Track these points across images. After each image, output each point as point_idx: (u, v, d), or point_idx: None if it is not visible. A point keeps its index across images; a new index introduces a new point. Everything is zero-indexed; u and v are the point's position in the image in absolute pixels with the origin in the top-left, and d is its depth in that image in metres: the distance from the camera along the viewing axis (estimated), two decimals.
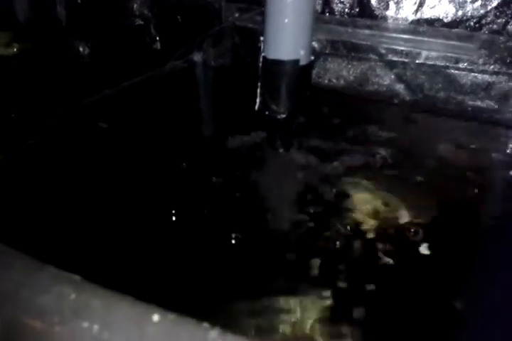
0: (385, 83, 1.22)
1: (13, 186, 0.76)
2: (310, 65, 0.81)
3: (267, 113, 0.81)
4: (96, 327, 0.28)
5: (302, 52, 0.75)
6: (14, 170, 0.83)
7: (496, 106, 1.17)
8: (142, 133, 0.93)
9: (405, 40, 1.06)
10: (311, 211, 0.77)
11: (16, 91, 1.18)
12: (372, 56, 1.13)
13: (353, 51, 1.13)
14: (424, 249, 0.72)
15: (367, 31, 1.07)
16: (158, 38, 1.55)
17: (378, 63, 1.16)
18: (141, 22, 1.55)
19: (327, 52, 1.18)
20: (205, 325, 0.28)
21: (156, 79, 1.07)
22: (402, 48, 1.09)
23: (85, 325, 0.28)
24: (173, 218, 0.72)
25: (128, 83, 1.02)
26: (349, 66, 1.23)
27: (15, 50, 1.51)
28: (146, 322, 0.28)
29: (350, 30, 1.06)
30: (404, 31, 1.09)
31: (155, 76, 1.06)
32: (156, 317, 0.29)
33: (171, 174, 0.82)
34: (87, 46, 1.64)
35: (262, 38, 0.79)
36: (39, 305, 0.30)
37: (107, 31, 1.56)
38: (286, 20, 0.72)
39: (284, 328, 0.53)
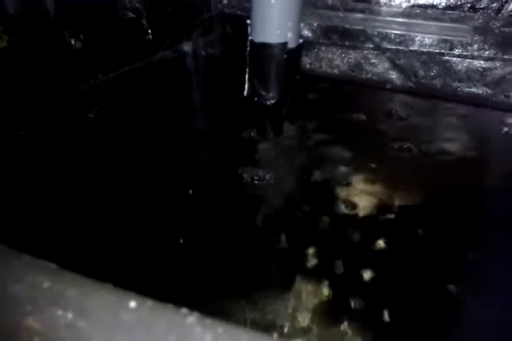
0: (379, 70, 1.21)
1: (3, 176, 0.75)
2: (299, 48, 0.79)
3: (255, 99, 0.79)
4: (70, 315, 0.27)
5: (290, 35, 0.73)
6: (5, 161, 0.82)
7: (491, 92, 1.17)
8: (132, 121, 0.91)
9: (399, 24, 1.04)
10: None
11: (6, 83, 1.16)
12: (366, 42, 1.12)
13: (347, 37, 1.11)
14: None
15: (359, 15, 1.05)
16: (150, 31, 1.53)
17: (371, 51, 1.15)
18: (132, 15, 1.54)
19: (320, 41, 1.16)
20: (184, 310, 0.27)
21: (145, 69, 1.05)
22: (396, 32, 1.07)
23: (59, 313, 0.27)
24: (165, 205, 0.71)
25: (116, 73, 1.00)
26: (343, 55, 1.21)
27: (5, 42, 1.48)
28: (123, 309, 0.27)
29: (341, 14, 1.04)
30: (398, 14, 1.07)
31: (144, 66, 1.05)
32: (132, 304, 0.27)
33: (162, 162, 0.80)
34: (78, 39, 1.61)
35: (248, 21, 0.77)
36: (12, 294, 0.29)
37: (98, 24, 1.55)
38: (273, 1, 0.70)
39: None
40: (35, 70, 1.28)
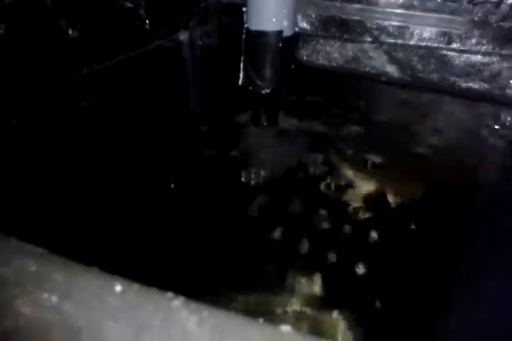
0: (377, 64, 1.20)
1: None
2: (294, 37, 0.78)
3: (250, 88, 0.79)
4: (55, 298, 0.27)
5: (286, 23, 0.72)
6: None
7: (488, 86, 1.16)
8: (127, 109, 0.91)
9: (397, 15, 1.04)
10: None
11: (2, 73, 1.16)
12: (364, 34, 1.11)
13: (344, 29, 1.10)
14: None
15: (357, 5, 1.03)
16: (147, 21, 1.52)
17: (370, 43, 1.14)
18: (130, 5, 1.53)
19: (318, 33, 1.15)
20: (169, 294, 0.27)
21: (141, 58, 1.05)
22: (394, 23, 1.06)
23: (45, 296, 0.27)
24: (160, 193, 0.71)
25: (110, 62, 0.99)
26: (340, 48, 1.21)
27: (1, 31, 1.47)
28: (108, 293, 0.27)
29: (338, 4, 1.03)
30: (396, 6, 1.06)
31: (139, 55, 1.04)
32: (118, 288, 0.28)
33: (157, 150, 0.80)
34: (75, 28, 1.60)
35: (244, 9, 0.77)
36: (0, 277, 0.29)
37: (96, 14, 1.54)
38: None
39: None
40: (31, 59, 1.28)
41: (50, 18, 1.61)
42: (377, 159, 0.83)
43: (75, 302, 0.27)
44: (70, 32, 1.65)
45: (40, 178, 0.74)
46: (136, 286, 0.28)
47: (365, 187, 0.79)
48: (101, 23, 1.51)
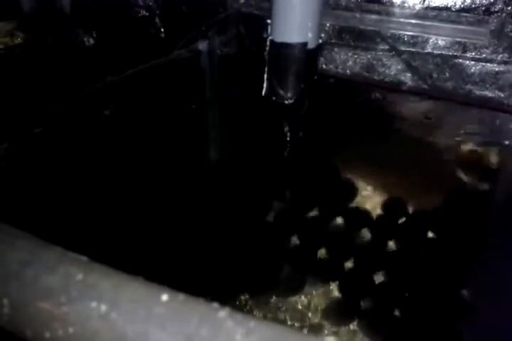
0: (392, 72, 1.21)
1: (18, 173, 0.76)
2: (318, 49, 0.80)
3: (274, 98, 0.80)
4: (104, 307, 0.28)
5: (310, 35, 0.74)
6: (19, 158, 0.83)
7: (503, 95, 1.16)
8: (146, 120, 0.92)
9: (413, 25, 1.04)
10: None
11: (20, 81, 1.18)
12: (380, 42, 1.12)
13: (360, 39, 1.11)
14: None
15: (374, 16, 1.05)
16: (163, 30, 1.54)
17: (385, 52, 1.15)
18: (146, 13, 1.55)
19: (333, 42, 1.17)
20: (215, 304, 0.28)
21: (161, 68, 1.06)
22: (411, 33, 1.07)
23: (93, 305, 0.28)
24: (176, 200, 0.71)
25: (132, 71, 1.01)
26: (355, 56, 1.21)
27: (19, 39, 1.50)
28: (155, 302, 0.28)
29: (358, 15, 1.04)
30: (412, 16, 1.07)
31: (159, 64, 1.06)
32: (164, 297, 0.28)
33: (174, 161, 0.81)
34: (91, 37, 1.63)
35: (269, 21, 0.78)
36: (46, 284, 0.29)
37: (111, 22, 1.56)
38: (295, 2, 0.70)
39: None
40: (49, 67, 1.30)
41: (67, 27, 1.63)
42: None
43: (122, 312, 0.28)
44: (86, 40, 1.67)
45: (63, 185, 0.75)
46: (181, 296, 0.28)
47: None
48: (116, 32, 1.54)
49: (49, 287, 0.30)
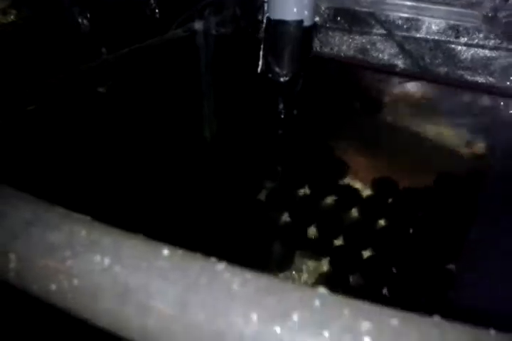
0: (386, 56, 1.22)
1: (14, 149, 0.77)
2: (313, 27, 0.81)
3: (269, 75, 0.81)
4: (107, 260, 0.29)
5: (306, 13, 0.75)
6: (13, 137, 0.84)
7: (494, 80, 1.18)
8: (142, 97, 0.93)
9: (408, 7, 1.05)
10: None
11: (11, 59, 1.17)
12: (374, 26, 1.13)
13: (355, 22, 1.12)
14: None
15: None
16: (157, 10, 1.53)
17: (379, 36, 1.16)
18: None
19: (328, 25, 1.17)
20: (213, 259, 0.29)
21: (157, 46, 1.06)
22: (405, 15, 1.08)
23: (97, 259, 0.29)
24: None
25: (127, 50, 1.01)
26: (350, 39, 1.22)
27: (12, 17, 1.48)
28: (156, 256, 0.29)
29: None
30: None
31: (155, 43, 1.06)
32: (165, 252, 0.30)
33: (170, 138, 0.82)
34: (85, 16, 1.61)
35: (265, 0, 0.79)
36: (50, 241, 0.31)
37: (105, 2, 1.55)
38: None
39: None
40: (42, 46, 1.29)
41: (61, 5, 1.62)
42: None
43: (125, 265, 0.29)
44: (80, 19, 1.65)
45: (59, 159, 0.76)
46: (181, 251, 0.30)
47: None
48: (110, 11, 1.52)
49: (54, 243, 0.31)
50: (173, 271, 0.28)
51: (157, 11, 1.54)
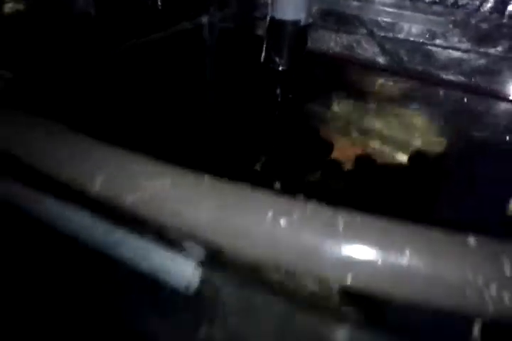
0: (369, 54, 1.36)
1: None
2: (308, 26, 0.97)
3: (270, 65, 0.97)
4: (159, 184, 0.42)
5: (303, 14, 0.90)
6: None
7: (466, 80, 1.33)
8: (153, 82, 1.04)
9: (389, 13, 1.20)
10: None
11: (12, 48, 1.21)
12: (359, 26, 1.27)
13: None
14: None
15: (356, 3, 1.19)
16: (160, 3, 1.61)
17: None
18: None
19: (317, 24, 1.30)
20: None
21: (167, 39, 1.17)
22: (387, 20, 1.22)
23: (159, 181, 0.43)
24: None
25: (135, 42, 1.12)
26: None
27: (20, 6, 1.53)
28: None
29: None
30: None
31: (162, 37, 1.17)
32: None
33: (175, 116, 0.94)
34: (92, 6, 1.69)
35: (269, 0, 0.94)
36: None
37: None
38: None
39: None
40: (41, 37, 1.34)
41: None
42: None
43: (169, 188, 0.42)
44: (85, 8, 1.73)
45: None
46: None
47: None
48: (114, 4, 1.59)
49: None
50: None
51: (159, 3, 1.63)
